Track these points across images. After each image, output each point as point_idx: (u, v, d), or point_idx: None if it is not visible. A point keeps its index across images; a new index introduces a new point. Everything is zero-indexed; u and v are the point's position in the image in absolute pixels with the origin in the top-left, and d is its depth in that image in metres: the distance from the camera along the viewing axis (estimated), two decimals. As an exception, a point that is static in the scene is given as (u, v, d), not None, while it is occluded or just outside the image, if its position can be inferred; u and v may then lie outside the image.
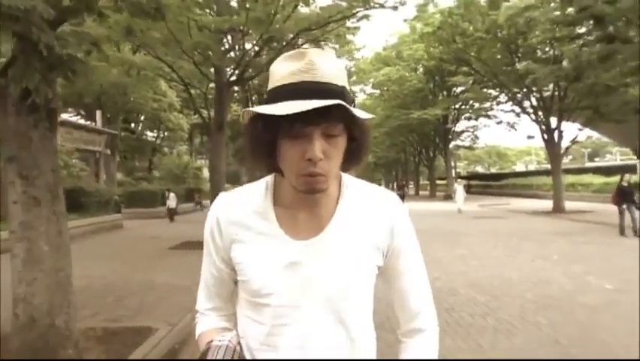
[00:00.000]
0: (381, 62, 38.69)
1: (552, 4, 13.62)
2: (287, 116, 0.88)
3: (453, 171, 56.79)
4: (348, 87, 0.97)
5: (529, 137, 53.14)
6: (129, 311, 5.64)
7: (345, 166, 1.02)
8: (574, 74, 15.05)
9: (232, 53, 13.58)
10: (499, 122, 37.70)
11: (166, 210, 21.14)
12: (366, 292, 1.06)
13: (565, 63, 15.64)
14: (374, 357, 1.10)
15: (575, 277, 7.25)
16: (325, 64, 0.93)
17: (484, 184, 48.29)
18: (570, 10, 13.62)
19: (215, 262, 1.10)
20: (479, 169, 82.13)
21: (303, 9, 12.20)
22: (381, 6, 11.94)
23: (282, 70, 0.94)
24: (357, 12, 12.27)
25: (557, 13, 13.80)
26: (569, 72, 15.36)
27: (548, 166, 54.00)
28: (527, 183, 36.84)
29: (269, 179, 1.07)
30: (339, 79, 0.94)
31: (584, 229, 14.40)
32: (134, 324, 5.12)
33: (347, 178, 1.09)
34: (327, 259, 1.01)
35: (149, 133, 38.96)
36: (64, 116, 21.29)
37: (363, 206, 1.06)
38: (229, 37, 13.34)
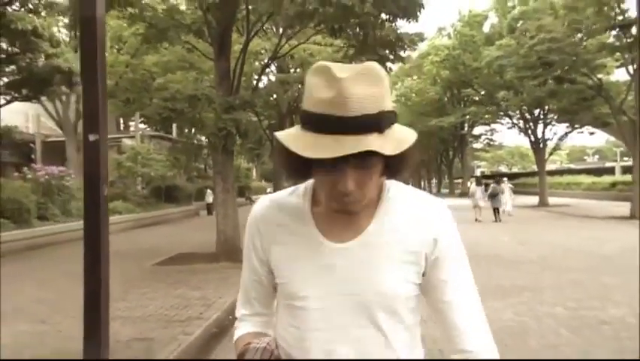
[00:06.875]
0: (404, 75, 44.09)
1: (519, 53, 18.79)
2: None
3: (477, 171, 61.67)
4: (388, 99, 0.89)
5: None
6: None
7: (387, 176, 0.99)
8: (534, 103, 20.57)
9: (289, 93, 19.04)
10: (510, 128, 42.54)
11: (205, 205, 24.50)
12: (407, 300, 0.99)
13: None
14: None
15: (493, 236, 12.67)
16: (359, 90, 0.84)
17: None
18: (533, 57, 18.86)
19: (255, 265, 1.08)
20: (502, 169, 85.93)
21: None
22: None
23: (313, 91, 0.88)
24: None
25: (521, 60, 19.06)
26: (531, 102, 20.86)
27: (570, 166, 57.39)
28: (530, 183, 41.15)
29: (307, 183, 1.06)
30: (376, 102, 0.85)
31: (544, 215, 19.58)
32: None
33: (390, 183, 1.03)
34: (363, 263, 0.97)
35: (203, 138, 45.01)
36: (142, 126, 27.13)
37: (405, 211, 1.00)
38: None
